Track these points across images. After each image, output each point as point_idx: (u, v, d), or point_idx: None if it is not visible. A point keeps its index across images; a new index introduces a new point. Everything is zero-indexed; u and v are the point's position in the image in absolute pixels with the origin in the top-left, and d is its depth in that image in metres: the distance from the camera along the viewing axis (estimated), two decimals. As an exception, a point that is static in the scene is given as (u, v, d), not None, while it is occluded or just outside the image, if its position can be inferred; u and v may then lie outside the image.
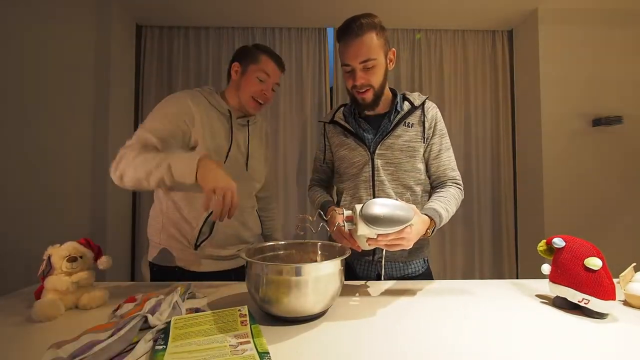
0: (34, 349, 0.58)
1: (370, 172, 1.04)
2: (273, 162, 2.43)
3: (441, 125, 1.09)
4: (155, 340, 0.59)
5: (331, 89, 2.64)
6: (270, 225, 1.36)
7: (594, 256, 0.71)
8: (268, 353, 0.54)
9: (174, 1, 2.16)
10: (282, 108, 2.57)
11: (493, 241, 2.59)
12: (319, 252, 0.87)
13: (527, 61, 2.46)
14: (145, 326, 0.63)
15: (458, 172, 1.09)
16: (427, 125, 1.06)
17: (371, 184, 1.04)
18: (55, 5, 1.77)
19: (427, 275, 1.12)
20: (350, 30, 0.95)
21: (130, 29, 2.41)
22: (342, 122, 1.10)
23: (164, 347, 0.57)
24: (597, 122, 2.24)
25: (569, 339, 0.61)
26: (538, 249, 0.82)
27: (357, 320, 0.70)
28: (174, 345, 0.57)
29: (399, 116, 1.05)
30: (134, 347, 0.56)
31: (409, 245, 0.82)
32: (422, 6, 2.30)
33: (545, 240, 0.80)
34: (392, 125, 1.04)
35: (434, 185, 1.10)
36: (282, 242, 0.89)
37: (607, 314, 0.70)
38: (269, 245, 0.87)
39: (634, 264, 0.82)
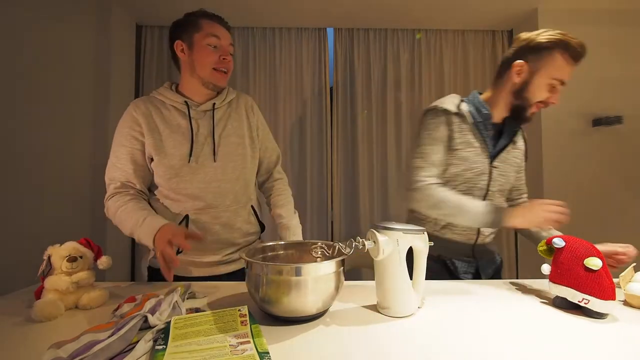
0: (34, 349, 0.58)
1: (487, 182, 1.06)
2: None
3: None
4: (155, 340, 0.59)
5: (331, 88, 2.64)
6: (273, 201, 1.18)
7: (594, 256, 0.71)
8: (268, 353, 0.54)
9: (174, 1, 2.16)
10: (282, 108, 2.57)
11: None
12: (319, 252, 0.87)
13: (527, 61, 2.46)
14: (145, 326, 0.63)
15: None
16: (526, 149, 1.16)
17: (485, 192, 1.07)
18: (55, 5, 1.77)
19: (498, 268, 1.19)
20: (581, 54, 0.97)
21: (130, 29, 2.41)
22: (472, 120, 1.04)
23: (164, 347, 0.57)
24: (597, 122, 2.24)
25: (569, 339, 0.61)
26: (538, 249, 0.82)
27: (357, 320, 0.70)
28: (174, 345, 0.57)
29: (516, 133, 1.10)
30: (133, 347, 0.56)
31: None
32: (422, 6, 2.30)
33: (545, 240, 0.80)
34: (509, 140, 1.08)
35: (514, 196, 1.21)
36: (282, 242, 0.89)
37: (607, 314, 0.70)
38: (269, 245, 0.87)
39: (634, 264, 0.82)
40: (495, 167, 1.06)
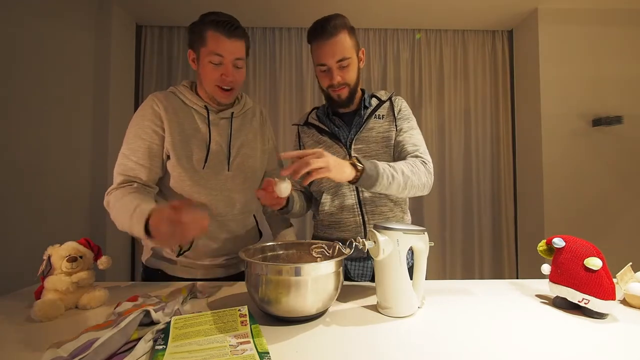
0: (34, 349, 0.58)
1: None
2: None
3: (405, 111, 1.09)
4: (155, 340, 0.59)
5: (331, 89, 2.63)
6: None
7: (594, 256, 0.71)
8: (268, 353, 0.54)
9: (174, 1, 2.16)
10: (282, 108, 2.57)
11: (493, 241, 2.59)
12: (319, 252, 0.87)
13: (527, 61, 2.46)
14: (147, 321, 0.63)
15: (420, 147, 1.02)
16: (397, 115, 1.07)
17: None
18: (55, 5, 1.77)
19: None
20: (324, 30, 0.97)
21: (130, 29, 2.41)
22: (316, 123, 1.11)
23: (164, 347, 0.57)
24: (597, 122, 2.24)
25: (569, 339, 0.61)
26: (538, 249, 0.82)
27: (356, 320, 0.70)
28: (174, 345, 0.57)
29: (369, 110, 1.07)
30: (133, 346, 0.56)
31: (327, 164, 0.77)
32: (422, 6, 2.30)
33: (545, 240, 0.80)
34: (364, 119, 1.05)
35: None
36: (282, 243, 0.89)
37: (607, 314, 0.70)
38: (268, 245, 0.87)
39: (630, 263, 0.82)
40: (354, 152, 1.04)
